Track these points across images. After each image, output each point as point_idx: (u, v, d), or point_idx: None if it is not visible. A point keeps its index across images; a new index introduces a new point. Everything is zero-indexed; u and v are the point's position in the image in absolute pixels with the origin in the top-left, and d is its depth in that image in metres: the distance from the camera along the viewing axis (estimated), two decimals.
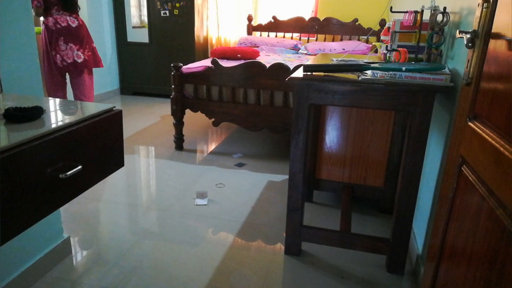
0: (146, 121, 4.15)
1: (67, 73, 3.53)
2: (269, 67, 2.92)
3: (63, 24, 3.33)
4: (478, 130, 1.05)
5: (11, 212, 0.87)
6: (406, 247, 1.76)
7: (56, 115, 1.12)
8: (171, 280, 1.74)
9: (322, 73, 1.64)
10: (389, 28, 1.91)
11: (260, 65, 2.96)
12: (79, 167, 1.01)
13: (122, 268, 1.82)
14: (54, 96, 3.40)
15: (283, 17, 4.96)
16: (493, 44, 1.04)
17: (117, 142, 1.21)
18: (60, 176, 0.96)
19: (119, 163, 1.24)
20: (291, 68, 2.89)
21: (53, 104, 1.22)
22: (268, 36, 5.09)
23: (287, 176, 1.91)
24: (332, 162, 2.37)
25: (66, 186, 1.02)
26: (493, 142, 0.94)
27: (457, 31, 1.22)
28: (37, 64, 1.61)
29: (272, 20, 4.99)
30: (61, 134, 0.98)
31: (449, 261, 1.19)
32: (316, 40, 4.90)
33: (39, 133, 0.94)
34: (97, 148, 1.13)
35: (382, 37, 2.05)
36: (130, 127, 3.91)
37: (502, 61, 0.96)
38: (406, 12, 1.77)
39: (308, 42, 4.90)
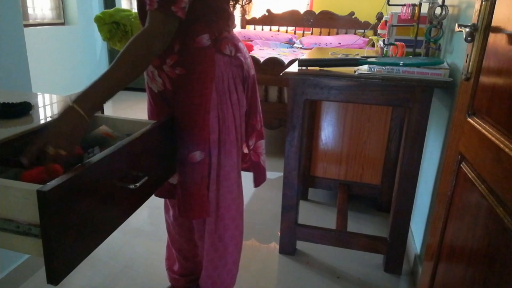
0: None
1: None
2: (263, 61, 2.88)
3: (251, 73, 1.34)
4: (478, 126, 1.03)
5: None
6: (403, 246, 1.74)
7: (45, 110, 1.12)
8: (162, 280, 1.71)
9: (317, 68, 1.61)
10: (386, 21, 1.88)
11: (254, 60, 2.92)
12: None
13: (112, 268, 1.78)
14: None
15: (277, 10, 4.91)
16: (493, 38, 1.02)
17: None
18: None
19: None
20: (286, 62, 2.85)
21: (41, 100, 1.21)
22: (262, 29, 5.04)
23: (281, 174, 1.88)
24: (328, 159, 2.35)
25: None
26: (493, 138, 0.93)
27: (456, 24, 1.20)
28: (26, 59, 1.57)
29: (266, 14, 4.93)
30: None
31: (448, 261, 1.17)
32: (312, 34, 4.86)
33: (27, 129, 0.93)
34: None
35: (379, 31, 2.03)
36: None
37: (502, 55, 0.94)
38: (404, 5, 1.75)
39: (303, 36, 4.86)
